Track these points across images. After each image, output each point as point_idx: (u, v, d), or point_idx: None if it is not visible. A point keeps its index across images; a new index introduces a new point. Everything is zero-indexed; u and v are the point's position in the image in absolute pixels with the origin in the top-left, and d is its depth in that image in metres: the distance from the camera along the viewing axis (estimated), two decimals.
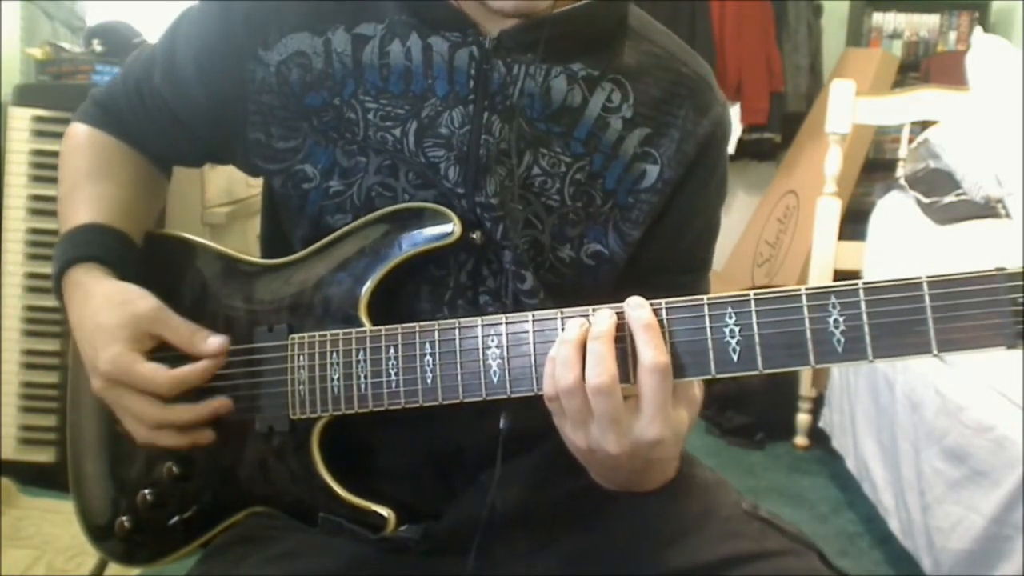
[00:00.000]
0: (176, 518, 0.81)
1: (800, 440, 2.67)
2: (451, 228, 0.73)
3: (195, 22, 0.82)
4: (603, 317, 0.62)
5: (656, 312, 0.62)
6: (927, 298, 0.56)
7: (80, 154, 0.88)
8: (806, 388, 2.64)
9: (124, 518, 0.82)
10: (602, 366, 0.60)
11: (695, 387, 0.65)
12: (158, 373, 0.74)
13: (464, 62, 0.74)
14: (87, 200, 0.84)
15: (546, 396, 0.63)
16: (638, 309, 0.61)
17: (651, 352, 0.60)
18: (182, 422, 0.75)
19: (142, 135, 0.88)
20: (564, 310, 0.66)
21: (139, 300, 0.77)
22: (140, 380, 0.74)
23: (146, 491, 0.81)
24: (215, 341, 0.76)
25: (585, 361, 0.61)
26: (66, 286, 0.80)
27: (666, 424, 0.61)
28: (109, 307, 0.76)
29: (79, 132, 0.90)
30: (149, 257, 0.86)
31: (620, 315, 0.62)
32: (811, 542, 0.80)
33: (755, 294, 0.60)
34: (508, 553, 0.80)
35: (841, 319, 0.58)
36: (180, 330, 0.76)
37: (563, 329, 0.65)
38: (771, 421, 2.62)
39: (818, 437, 2.58)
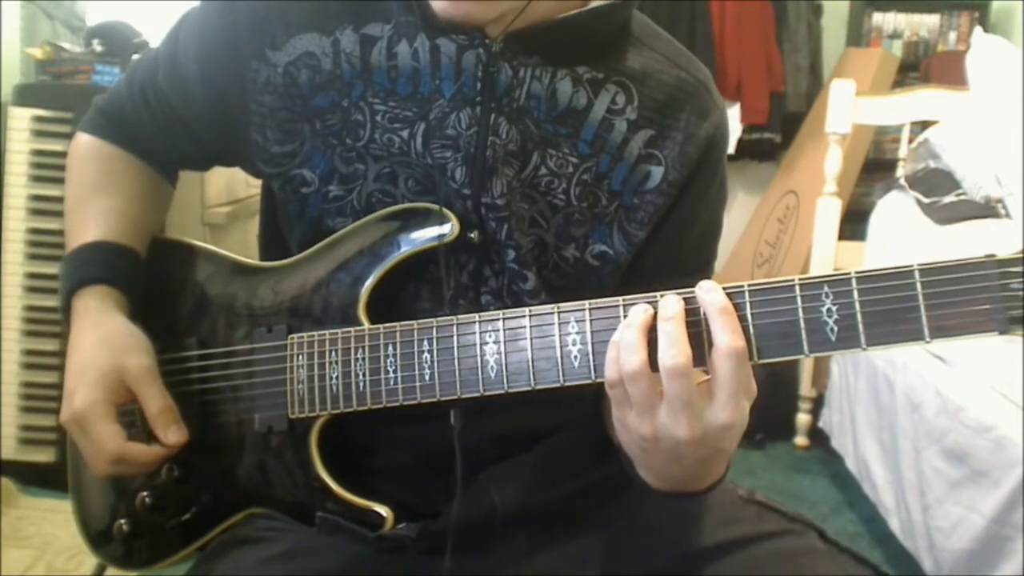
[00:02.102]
0: (175, 520, 0.81)
1: (800, 440, 2.67)
2: (449, 228, 0.74)
3: (196, 22, 0.82)
4: (672, 301, 0.61)
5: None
6: (919, 285, 0.56)
7: (86, 166, 0.88)
8: (806, 388, 2.64)
9: (123, 521, 0.82)
10: (677, 347, 0.59)
11: (752, 378, 0.64)
12: (110, 441, 0.75)
13: (471, 64, 0.74)
14: (94, 215, 0.84)
15: (608, 382, 0.62)
16: (712, 292, 0.60)
17: (728, 336, 0.58)
18: (124, 475, 0.78)
19: (147, 140, 0.88)
20: (560, 305, 0.66)
21: (134, 355, 0.77)
22: (95, 436, 0.75)
23: (145, 493, 0.81)
24: (174, 435, 0.76)
25: (649, 346, 0.60)
26: (75, 306, 0.81)
27: (737, 409, 0.60)
28: (106, 348, 0.77)
29: (84, 143, 0.90)
30: (152, 262, 0.86)
31: (686, 300, 0.61)
32: (810, 520, 0.81)
33: (749, 285, 0.60)
34: (509, 551, 0.80)
35: (834, 308, 0.58)
36: (153, 403, 0.76)
37: (560, 323, 0.65)
38: (771, 421, 2.62)
39: (818, 437, 2.58)
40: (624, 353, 0.60)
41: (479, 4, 0.70)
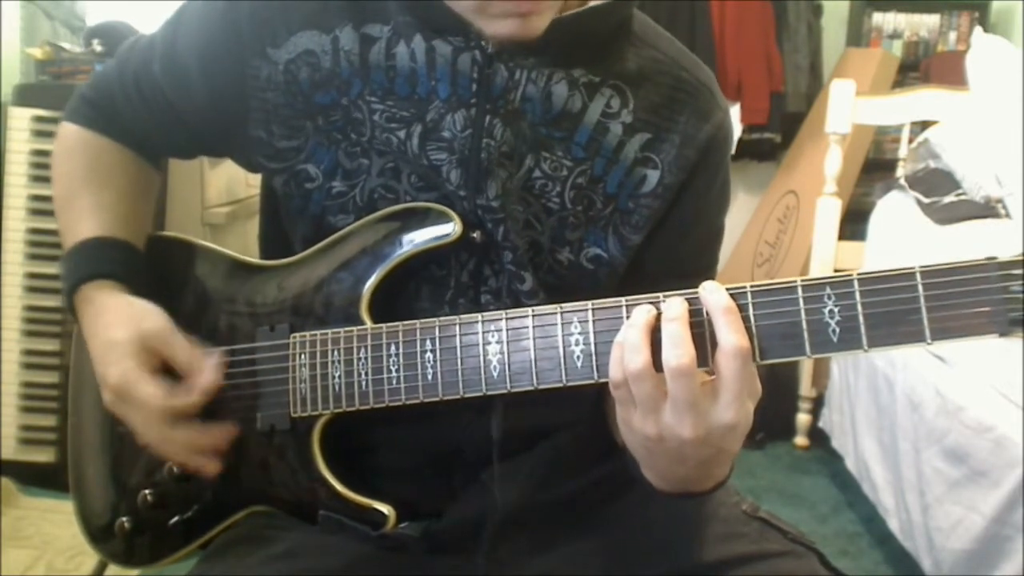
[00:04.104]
0: (177, 518, 0.81)
1: (800, 440, 2.67)
2: (451, 227, 0.74)
3: (197, 17, 0.82)
4: (676, 302, 0.61)
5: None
6: (920, 287, 0.56)
7: (74, 159, 0.88)
8: (806, 388, 2.64)
9: (124, 519, 0.82)
10: (681, 348, 0.59)
11: (756, 378, 0.65)
12: (154, 399, 0.75)
13: (467, 66, 0.74)
14: (88, 210, 0.84)
15: (612, 383, 0.62)
16: (715, 293, 0.60)
17: (733, 336, 0.59)
18: (181, 444, 0.76)
19: (137, 128, 0.87)
20: (563, 305, 0.66)
21: (147, 318, 0.78)
22: (139, 400, 0.75)
23: (147, 491, 0.81)
24: (208, 375, 0.76)
25: (653, 346, 0.60)
26: (78, 303, 0.81)
27: (741, 409, 0.60)
28: (119, 323, 0.77)
29: (71, 134, 0.89)
30: (153, 259, 0.86)
31: (689, 301, 0.61)
32: (811, 543, 0.81)
33: (751, 286, 0.60)
34: (510, 552, 0.80)
35: (836, 309, 0.59)
36: (179, 355, 0.77)
37: (563, 323, 0.65)
38: (771, 421, 2.62)
39: (818, 437, 2.58)
40: (628, 353, 0.60)
41: (531, 26, 0.71)
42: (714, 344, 0.60)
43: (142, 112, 0.85)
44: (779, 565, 0.77)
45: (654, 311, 0.61)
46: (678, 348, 0.59)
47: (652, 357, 0.60)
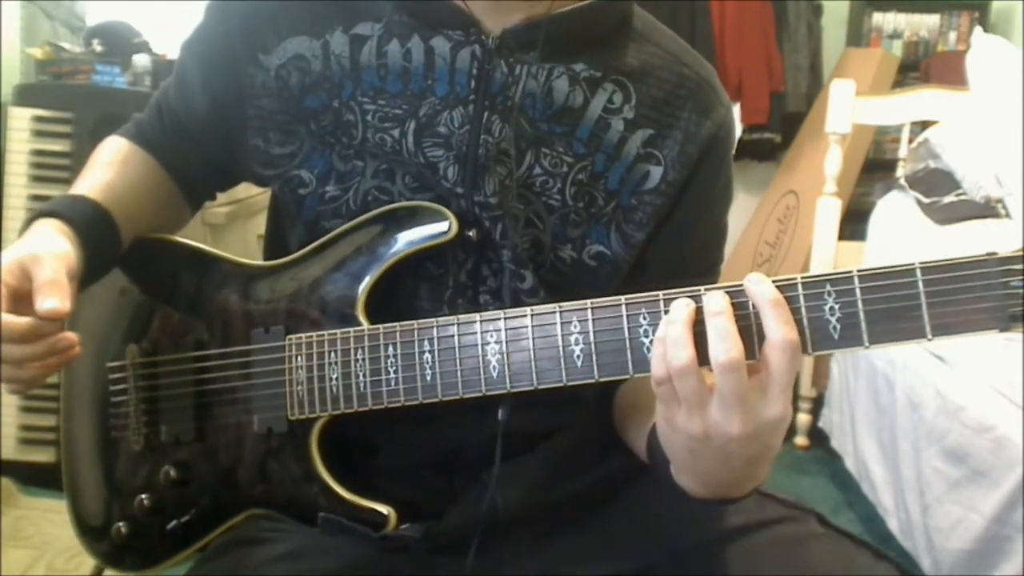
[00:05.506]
0: (175, 522, 0.80)
1: (800, 440, 2.67)
2: (447, 226, 0.73)
3: (198, 32, 0.83)
4: (718, 296, 0.60)
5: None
6: (920, 284, 0.56)
7: (100, 152, 0.88)
8: (806, 388, 2.64)
9: (121, 524, 0.81)
10: (729, 341, 0.58)
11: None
12: None
13: (466, 62, 0.74)
14: (84, 181, 0.82)
15: (655, 379, 0.60)
16: (762, 284, 0.59)
17: (782, 328, 0.58)
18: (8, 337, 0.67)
19: (162, 153, 0.88)
20: (562, 304, 0.66)
21: (43, 244, 0.70)
22: None
23: (143, 496, 0.80)
24: (49, 303, 0.65)
25: (696, 341, 0.59)
26: None
27: (788, 402, 0.60)
28: (21, 243, 0.71)
29: (110, 139, 0.90)
30: (145, 261, 0.85)
31: (730, 295, 0.60)
32: (809, 507, 0.81)
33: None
34: (511, 552, 0.80)
35: (837, 306, 0.58)
36: (40, 275, 0.66)
37: (562, 323, 0.65)
38: None
39: (818, 437, 2.58)
40: (672, 349, 0.59)
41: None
42: (760, 337, 0.59)
43: (162, 138, 0.87)
44: (780, 530, 0.77)
45: (692, 305, 0.60)
46: (726, 343, 0.58)
47: (696, 352, 0.59)
